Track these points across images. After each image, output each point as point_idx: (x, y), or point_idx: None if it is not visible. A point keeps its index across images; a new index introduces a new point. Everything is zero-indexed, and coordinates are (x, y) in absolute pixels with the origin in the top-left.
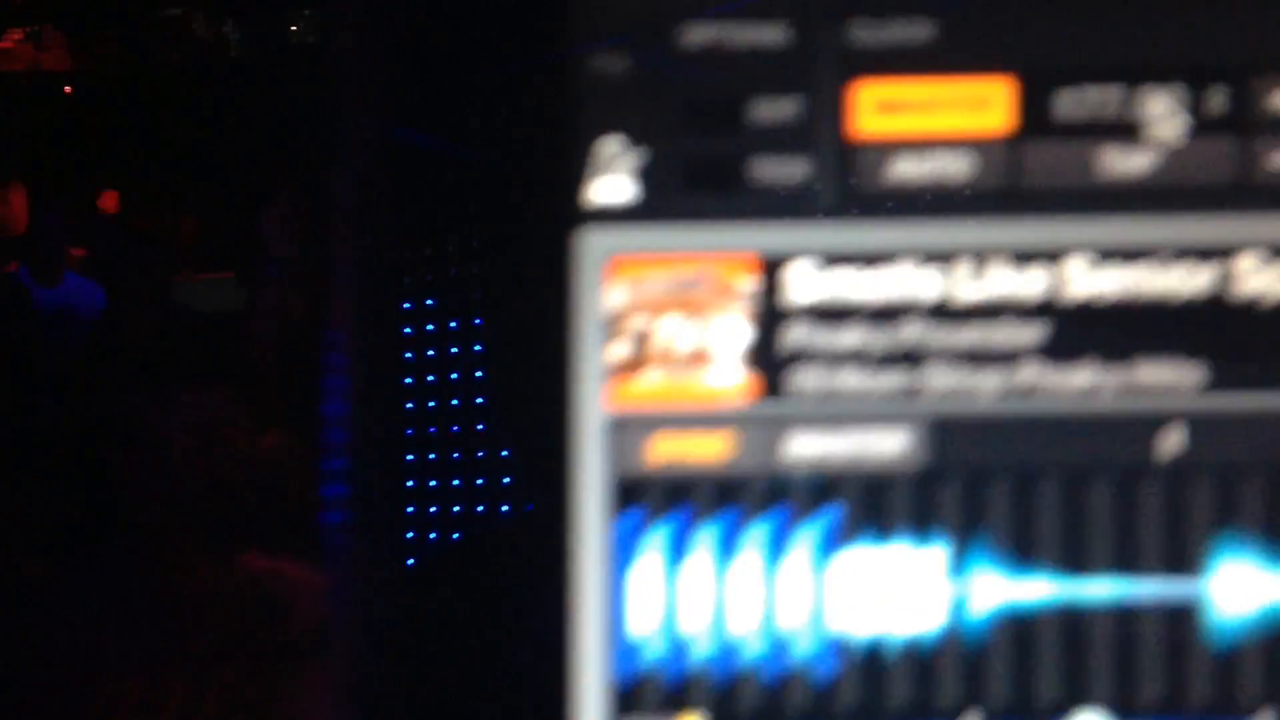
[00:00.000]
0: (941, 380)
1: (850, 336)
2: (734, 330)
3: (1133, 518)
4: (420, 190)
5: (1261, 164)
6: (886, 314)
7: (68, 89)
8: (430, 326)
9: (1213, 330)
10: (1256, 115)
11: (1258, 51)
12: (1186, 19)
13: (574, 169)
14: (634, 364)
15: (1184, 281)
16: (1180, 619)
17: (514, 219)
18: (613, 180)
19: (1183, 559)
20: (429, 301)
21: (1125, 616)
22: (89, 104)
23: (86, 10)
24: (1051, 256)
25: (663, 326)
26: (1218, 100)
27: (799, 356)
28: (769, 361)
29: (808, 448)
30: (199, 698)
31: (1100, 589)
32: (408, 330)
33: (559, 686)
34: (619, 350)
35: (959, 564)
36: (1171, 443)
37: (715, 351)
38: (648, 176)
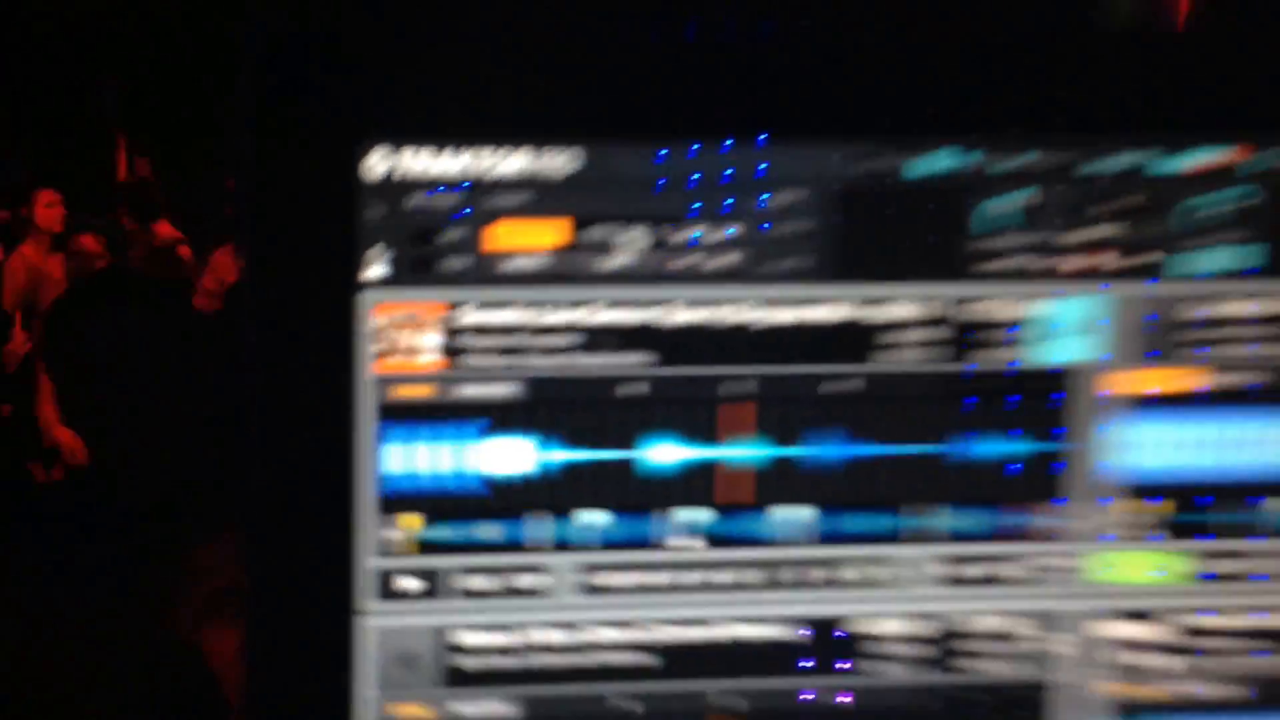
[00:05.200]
0: (540, 361)
1: (490, 340)
2: (432, 338)
3: (616, 423)
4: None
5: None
6: (514, 332)
7: None
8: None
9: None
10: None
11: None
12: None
13: (356, 260)
14: (387, 352)
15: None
16: (621, 471)
17: (323, 286)
18: (377, 266)
19: (631, 440)
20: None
21: (603, 470)
22: None
23: None
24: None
25: (400, 335)
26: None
27: (468, 350)
28: (452, 352)
29: (472, 391)
30: None
31: (608, 456)
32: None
33: (348, 500)
34: (379, 346)
35: (542, 444)
36: (639, 388)
37: (424, 347)
38: (396, 264)
